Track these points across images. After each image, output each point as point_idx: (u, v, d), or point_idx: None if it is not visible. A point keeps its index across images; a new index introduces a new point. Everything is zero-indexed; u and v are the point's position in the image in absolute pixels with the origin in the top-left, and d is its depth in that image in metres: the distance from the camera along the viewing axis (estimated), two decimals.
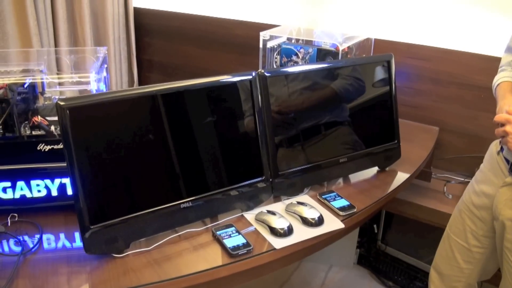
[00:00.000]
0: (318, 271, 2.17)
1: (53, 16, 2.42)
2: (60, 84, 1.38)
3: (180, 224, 1.14)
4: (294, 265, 2.19)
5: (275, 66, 1.78)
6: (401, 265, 2.12)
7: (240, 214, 1.23)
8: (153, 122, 1.10)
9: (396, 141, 1.53)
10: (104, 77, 1.36)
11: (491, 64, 1.44)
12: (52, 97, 1.33)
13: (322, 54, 1.69)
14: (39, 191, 1.19)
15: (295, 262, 2.19)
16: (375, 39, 1.90)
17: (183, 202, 1.13)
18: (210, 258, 1.06)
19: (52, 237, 1.14)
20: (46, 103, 1.30)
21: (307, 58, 1.71)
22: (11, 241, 1.11)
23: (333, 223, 1.21)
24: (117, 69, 2.76)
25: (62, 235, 1.15)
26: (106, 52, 1.45)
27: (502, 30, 1.81)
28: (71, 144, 0.98)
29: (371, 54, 1.90)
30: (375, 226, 2.18)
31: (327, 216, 1.23)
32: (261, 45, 1.78)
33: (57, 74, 1.42)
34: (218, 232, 1.13)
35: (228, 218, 1.21)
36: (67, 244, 1.12)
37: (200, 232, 1.16)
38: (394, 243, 2.17)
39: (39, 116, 1.21)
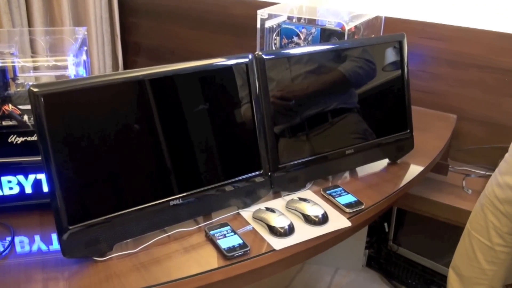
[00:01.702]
0: (323, 275, 2.17)
1: None
2: (34, 68, 1.36)
3: (170, 224, 1.14)
4: (296, 268, 2.20)
5: (274, 48, 1.77)
6: (415, 268, 2.12)
7: (236, 211, 1.23)
8: (139, 111, 1.10)
9: (408, 130, 1.53)
10: (84, 61, 1.35)
11: None
12: (25, 83, 1.32)
13: (326, 34, 1.68)
14: (11, 188, 1.18)
15: (297, 265, 2.19)
16: (385, 18, 1.89)
17: (173, 199, 1.12)
18: (203, 260, 1.06)
19: (25, 239, 1.13)
20: (18, 90, 1.29)
21: (309, 39, 1.70)
22: None
23: (339, 221, 1.21)
24: (100, 53, 2.75)
25: (37, 237, 1.14)
26: (86, 33, 1.44)
27: None
28: (47, 135, 0.96)
29: (381, 34, 1.89)
30: (385, 224, 2.18)
31: (332, 213, 1.23)
32: (258, 25, 1.76)
33: (31, 57, 1.40)
34: (211, 232, 1.12)
35: (223, 216, 1.21)
36: (43, 247, 1.12)
37: (192, 232, 1.15)
38: (407, 243, 2.17)
39: (10, 105, 1.20)
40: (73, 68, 1.26)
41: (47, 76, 1.36)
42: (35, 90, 0.95)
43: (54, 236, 1.13)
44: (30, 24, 2.45)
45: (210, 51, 2.57)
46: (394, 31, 1.62)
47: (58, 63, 1.29)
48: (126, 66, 2.89)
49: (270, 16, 1.76)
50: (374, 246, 2.22)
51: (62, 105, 0.99)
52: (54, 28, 2.48)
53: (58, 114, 0.98)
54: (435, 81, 2.03)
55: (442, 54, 1.99)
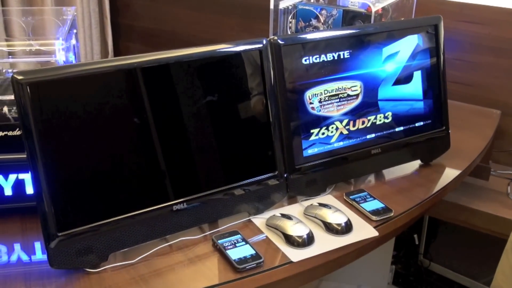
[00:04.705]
0: None
1: None
2: (11, 54, 1.37)
3: (172, 231, 1.15)
4: (312, 285, 2.20)
5: (289, 33, 1.78)
6: (450, 287, 2.12)
7: (247, 218, 1.24)
8: (136, 104, 1.11)
9: (444, 128, 1.54)
10: (74, 46, 1.36)
11: None
12: (3, 70, 1.33)
13: (349, 17, 1.69)
14: None
15: (313, 281, 2.19)
16: None
17: (176, 204, 1.14)
18: (210, 273, 1.07)
19: (3, 248, 1.14)
20: None
21: (330, 22, 1.71)
22: None
23: (364, 230, 1.22)
24: (86, 36, 2.77)
25: (17, 246, 1.15)
26: (76, 13, 1.45)
27: None
28: (33, 129, 0.98)
29: (413, 17, 1.89)
30: (415, 236, 2.18)
31: (357, 221, 1.24)
32: (271, 6, 1.77)
33: (6, 41, 1.41)
34: (220, 241, 1.14)
35: (232, 223, 1.22)
36: (24, 257, 1.13)
37: (197, 240, 1.17)
38: (440, 258, 2.18)
39: None
40: (62, 53, 1.28)
41: (26, 63, 1.37)
42: (20, 78, 0.96)
43: (38, 245, 1.15)
44: (4, 3, 2.44)
45: (215, 36, 2.57)
46: (428, 13, 1.63)
47: (43, 48, 1.30)
48: (117, 53, 2.90)
49: None
50: (402, 261, 2.23)
51: (51, 95, 1.00)
52: (33, 7, 2.48)
53: (46, 106, 0.99)
54: (475, 71, 2.03)
55: (484, 40, 1.99)
